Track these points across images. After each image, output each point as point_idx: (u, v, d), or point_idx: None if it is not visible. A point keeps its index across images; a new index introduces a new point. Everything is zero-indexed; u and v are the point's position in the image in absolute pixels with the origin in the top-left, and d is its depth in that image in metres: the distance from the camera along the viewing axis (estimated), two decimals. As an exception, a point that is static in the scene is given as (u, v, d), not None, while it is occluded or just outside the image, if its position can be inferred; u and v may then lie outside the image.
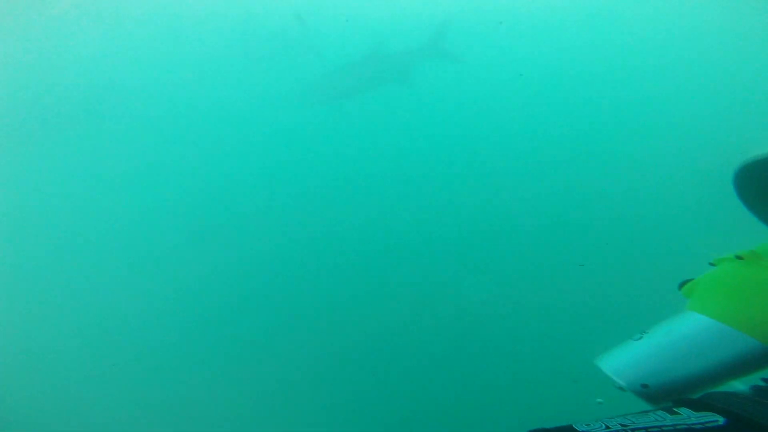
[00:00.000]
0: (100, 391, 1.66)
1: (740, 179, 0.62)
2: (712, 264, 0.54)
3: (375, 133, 2.98)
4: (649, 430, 0.39)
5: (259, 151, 3.00)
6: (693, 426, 0.38)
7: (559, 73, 3.38)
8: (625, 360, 0.51)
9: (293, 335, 1.91)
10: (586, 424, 0.42)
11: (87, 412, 1.60)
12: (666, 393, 0.48)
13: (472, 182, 2.42)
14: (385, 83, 3.77)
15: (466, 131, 2.93)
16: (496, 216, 2.40)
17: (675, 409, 0.41)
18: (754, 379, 0.46)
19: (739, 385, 0.46)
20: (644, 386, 0.48)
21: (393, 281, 2.10)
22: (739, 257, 0.50)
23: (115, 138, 2.85)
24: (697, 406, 0.41)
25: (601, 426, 0.41)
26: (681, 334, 0.49)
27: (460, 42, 3.47)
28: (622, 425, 0.40)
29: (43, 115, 2.98)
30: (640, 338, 0.52)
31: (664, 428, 0.39)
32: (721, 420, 0.38)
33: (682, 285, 0.56)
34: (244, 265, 2.16)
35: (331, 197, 2.57)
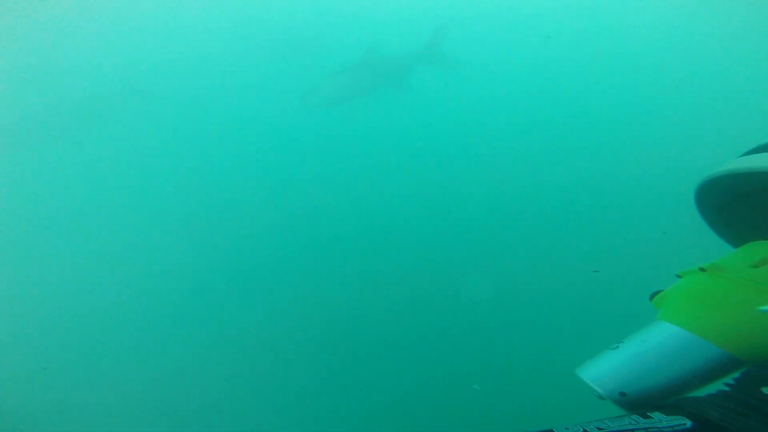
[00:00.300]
0: (98, 390, 1.61)
1: (701, 196, 0.66)
2: (678, 276, 0.57)
3: (376, 134, 2.96)
4: None
5: (255, 152, 2.93)
6: (662, 429, 0.41)
7: (554, 77, 3.43)
8: (603, 370, 0.53)
9: (287, 331, 1.89)
10: (566, 428, 0.44)
11: (87, 412, 1.55)
12: (643, 400, 0.50)
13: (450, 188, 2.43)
14: (382, 88, 3.76)
15: (458, 134, 2.95)
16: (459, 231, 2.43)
17: (648, 414, 0.44)
18: (720, 384, 0.49)
19: (709, 390, 0.49)
20: (622, 394, 0.50)
21: (390, 280, 2.10)
22: (702, 269, 0.53)
23: (115, 137, 2.75)
24: (668, 410, 0.44)
25: (579, 430, 0.43)
26: (653, 344, 0.52)
27: (463, 46, 3.50)
28: (599, 429, 0.43)
29: (43, 114, 2.86)
30: (617, 348, 0.54)
31: (636, 431, 0.42)
32: (688, 423, 0.41)
33: (652, 296, 0.59)
34: (240, 266, 2.10)
35: (330, 198, 2.54)
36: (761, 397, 0.42)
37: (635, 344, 0.54)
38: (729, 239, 0.65)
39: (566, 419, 0.50)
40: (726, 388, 0.46)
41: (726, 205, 0.64)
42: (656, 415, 0.43)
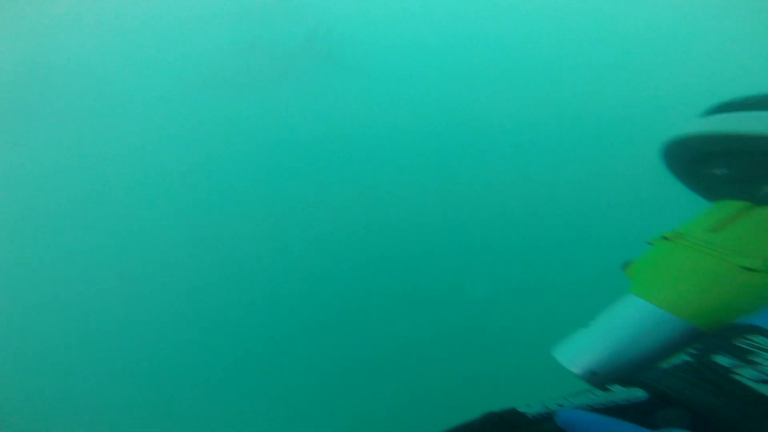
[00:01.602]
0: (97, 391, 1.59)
1: (668, 158, 0.67)
2: (649, 243, 0.56)
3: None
4: (582, 407, 0.41)
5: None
6: (619, 403, 0.41)
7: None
8: (576, 349, 0.52)
9: (281, 324, 1.88)
10: (528, 405, 0.43)
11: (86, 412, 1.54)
12: (613, 377, 0.49)
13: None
14: (264, 77, 3.56)
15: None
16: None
17: (609, 387, 0.44)
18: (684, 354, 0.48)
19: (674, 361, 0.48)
20: (593, 374, 0.50)
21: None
22: (665, 238, 0.53)
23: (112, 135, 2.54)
24: (627, 382, 0.43)
25: (541, 407, 0.42)
26: (622, 320, 0.51)
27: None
28: (559, 405, 0.42)
29: (42, 113, 2.62)
30: (589, 326, 0.54)
31: (595, 406, 0.41)
32: (644, 395, 0.41)
33: (625, 266, 0.58)
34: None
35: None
36: (713, 366, 0.42)
37: (605, 321, 0.53)
38: (705, 196, 0.65)
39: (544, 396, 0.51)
40: (688, 358, 0.46)
41: (692, 165, 0.64)
42: (615, 388, 0.43)
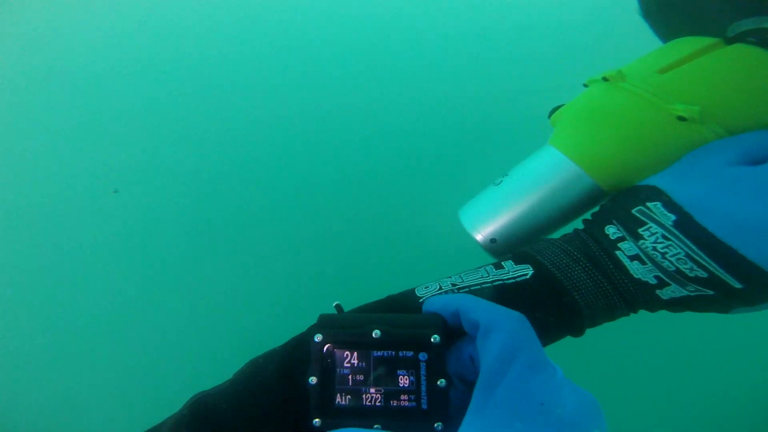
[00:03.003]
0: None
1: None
2: (585, 85, 0.49)
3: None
4: (472, 288, 0.41)
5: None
6: (506, 281, 0.41)
7: None
8: (481, 211, 0.47)
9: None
10: (425, 287, 0.43)
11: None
12: (510, 246, 0.46)
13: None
14: None
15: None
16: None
17: (502, 263, 0.42)
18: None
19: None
20: (493, 241, 0.46)
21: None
22: (605, 78, 0.45)
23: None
24: (518, 258, 0.42)
25: (436, 286, 0.42)
26: (533, 176, 0.45)
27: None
28: (453, 284, 0.42)
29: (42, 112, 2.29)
30: (500, 183, 0.47)
31: (484, 285, 0.41)
32: (530, 273, 0.40)
33: (552, 112, 0.50)
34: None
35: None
36: (601, 238, 0.40)
37: (516, 177, 0.46)
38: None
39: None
40: (580, 227, 0.44)
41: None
42: (507, 264, 0.42)
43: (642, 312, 0.41)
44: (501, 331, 0.32)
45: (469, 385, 0.36)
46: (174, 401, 0.41)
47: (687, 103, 0.40)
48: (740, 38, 0.43)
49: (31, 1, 2.27)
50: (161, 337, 1.54)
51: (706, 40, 0.44)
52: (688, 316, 0.41)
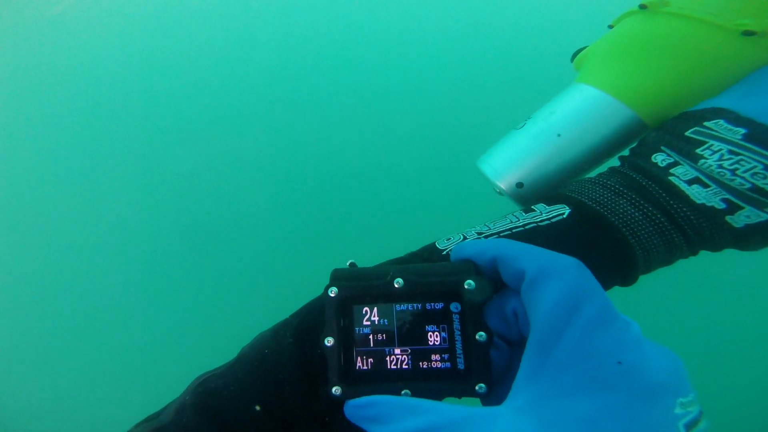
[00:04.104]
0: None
1: None
2: (610, 26, 0.46)
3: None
4: (501, 233, 0.36)
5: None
6: (540, 223, 0.36)
7: None
8: (504, 156, 0.43)
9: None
10: (447, 239, 0.38)
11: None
12: (538, 191, 0.42)
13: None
14: None
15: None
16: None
17: (533, 207, 0.38)
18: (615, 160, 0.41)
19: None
20: (519, 185, 0.42)
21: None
22: (642, 6, 0.41)
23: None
24: (551, 199, 0.38)
25: (460, 237, 0.37)
26: (563, 114, 0.42)
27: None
28: (478, 233, 0.37)
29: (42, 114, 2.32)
30: (523, 126, 0.44)
31: (515, 230, 0.36)
32: (566, 211, 0.36)
33: (574, 56, 0.47)
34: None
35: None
36: (648, 167, 0.35)
37: (542, 118, 0.43)
38: None
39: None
40: (618, 163, 0.40)
41: None
42: (539, 207, 0.37)
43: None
44: (555, 280, 0.25)
45: (515, 346, 0.30)
46: (170, 392, 0.36)
47: (746, 16, 0.36)
48: None
49: (31, 1, 2.28)
50: (158, 332, 1.52)
51: None
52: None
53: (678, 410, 0.22)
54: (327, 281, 0.33)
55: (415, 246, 0.41)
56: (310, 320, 0.34)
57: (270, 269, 1.57)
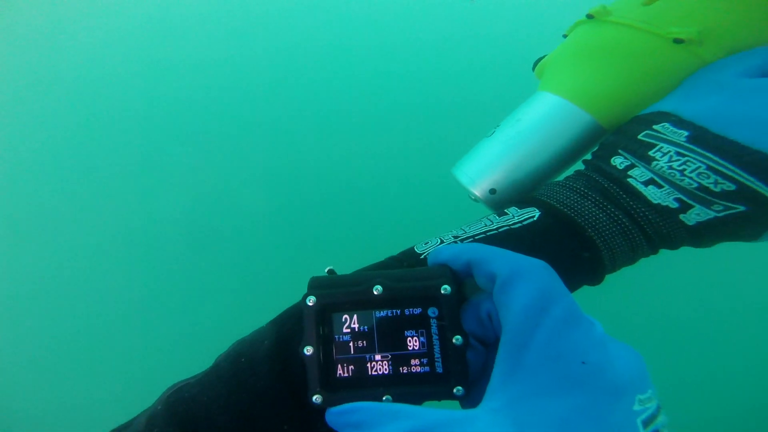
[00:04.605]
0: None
1: None
2: (565, 36, 0.47)
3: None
4: (476, 237, 0.37)
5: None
6: (512, 226, 0.37)
7: None
8: (476, 163, 0.44)
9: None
10: (425, 243, 0.39)
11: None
12: (510, 196, 0.44)
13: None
14: None
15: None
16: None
17: (505, 210, 0.39)
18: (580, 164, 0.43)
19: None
20: (492, 192, 0.43)
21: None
22: (589, 16, 0.43)
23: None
24: (522, 203, 0.39)
25: (437, 241, 0.38)
26: (529, 121, 0.43)
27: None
28: (455, 236, 0.38)
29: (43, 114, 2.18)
30: (493, 133, 0.45)
31: (489, 233, 0.37)
32: (537, 214, 0.37)
33: (535, 65, 0.48)
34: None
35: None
36: (608, 170, 0.37)
37: (509, 126, 0.44)
38: None
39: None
40: (582, 166, 0.41)
41: None
42: (511, 211, 0.39)
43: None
44: (525, 281, 0.27)
45: (490, 347, 0.31)
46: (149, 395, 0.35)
47: (680, 26, 0.38)
48: None
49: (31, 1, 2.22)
50: (151, 334, 1.47)
51: None
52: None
53: (636, 407, 0.24)
54: (306, 286, 0.33)
55: (395, 249, 0.42)
56: (289, 327, 0.34)
57: (249, 275, 1.56)
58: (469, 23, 2.06)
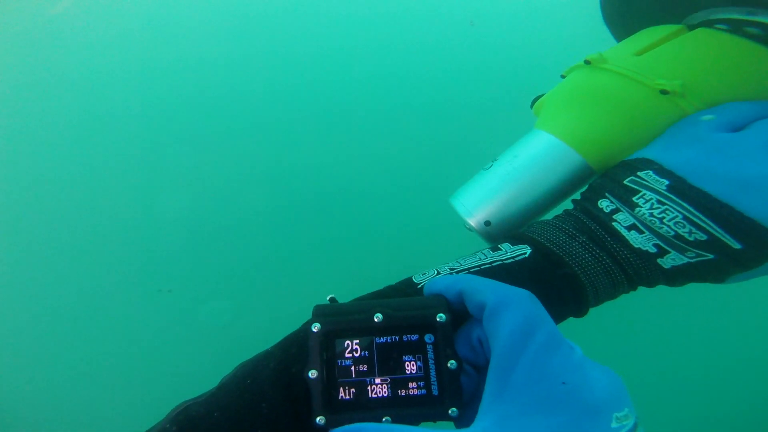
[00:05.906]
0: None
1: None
2: (563, 76, 0.50)
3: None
4: (471, 269, 0.40)
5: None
6: (505, 261, 0.40)
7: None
8: (473, 195, 0.47)
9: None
10: (422, 273, 0.41)
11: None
12: (504, 229, 0.46)
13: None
14: None
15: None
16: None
17: (499, 246, 0.42)
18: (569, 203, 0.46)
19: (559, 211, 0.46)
20: (487, 224, 0.46)
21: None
22: (586, 62, 0.46)
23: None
24: (515, 239, 0.42)
25: (434, 272, 0.41)
26: (524, 158, 0.46)
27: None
28: (451, 269, 0.41)
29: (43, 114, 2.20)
30: (490, 167, 0.48)
31: (483, 266, 0.40)
32: (528, 251, 0.40)
33: (533, 102, 0.52)
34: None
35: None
36: (595, 212, 0.40)
37: (506, 160, 0.47)
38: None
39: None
40: (571, 207, 0.44)
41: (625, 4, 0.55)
42: (504, 246, 0.41)
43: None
44: (511, 310, 0.30)
45: (481, 370, 0.34)
46: (160, 409, 0.37)
47: (666, 78, 0.42)
48: (706, 24, 0.46)
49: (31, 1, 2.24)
50: (151, 334, 1.47)
51: (671, 27, 0.48)
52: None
53: (614, 424, 0.26)
54: (308, 311, 0.36)
55: (394, 251, 0.44)
56: (293, 352, 0.36)
57: (249, 275, 1.54)
58: (468, 46, 2.10)
